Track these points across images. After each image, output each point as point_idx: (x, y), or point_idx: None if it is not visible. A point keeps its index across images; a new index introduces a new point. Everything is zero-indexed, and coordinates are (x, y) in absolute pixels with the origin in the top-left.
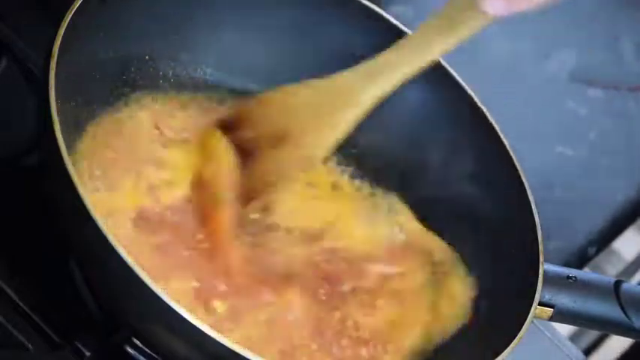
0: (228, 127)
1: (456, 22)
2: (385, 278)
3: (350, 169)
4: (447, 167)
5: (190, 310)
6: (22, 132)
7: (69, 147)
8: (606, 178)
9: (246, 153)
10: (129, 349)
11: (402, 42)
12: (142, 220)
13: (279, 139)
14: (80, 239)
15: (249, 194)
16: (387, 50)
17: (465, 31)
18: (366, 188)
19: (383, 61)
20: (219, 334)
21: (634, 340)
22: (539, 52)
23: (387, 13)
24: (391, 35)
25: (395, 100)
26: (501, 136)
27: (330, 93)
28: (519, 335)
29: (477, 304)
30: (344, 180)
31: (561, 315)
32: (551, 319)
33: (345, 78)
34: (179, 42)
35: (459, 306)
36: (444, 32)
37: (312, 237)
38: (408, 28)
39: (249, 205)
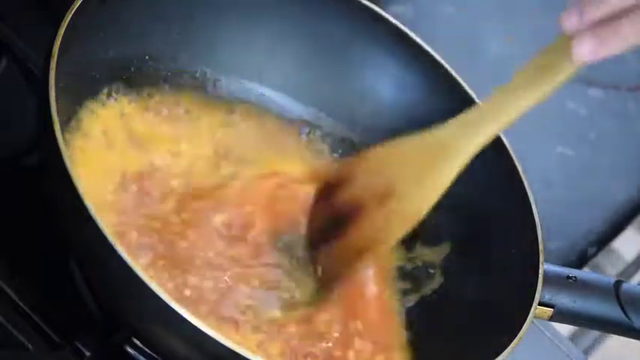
0: (332, 186)
1: (547, 69)
2: None
3: None
4: None
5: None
6: (22, 132)
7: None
8: (606, 178)
9: (352, 210)
10: (129, 349)
11: (496, 92)
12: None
13: (385, 196)
14: (80, 239)
15: (357, 255)
16: (483, 101)
17: (557, 77)
18: None
19: (480, 113)
20: (219, 334)
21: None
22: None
23: (387, 13)
24: (391, 35)
25: (394, 101)
26: (501, 136)
27: (431, 146)
28: (519, 335)
29: (477, 303)
30: None
31: (561, 315)
32: (551, 319)
33: (444, 130)
34: (179, 42)
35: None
36: (538, 80)
37: None
38: (408, 28)
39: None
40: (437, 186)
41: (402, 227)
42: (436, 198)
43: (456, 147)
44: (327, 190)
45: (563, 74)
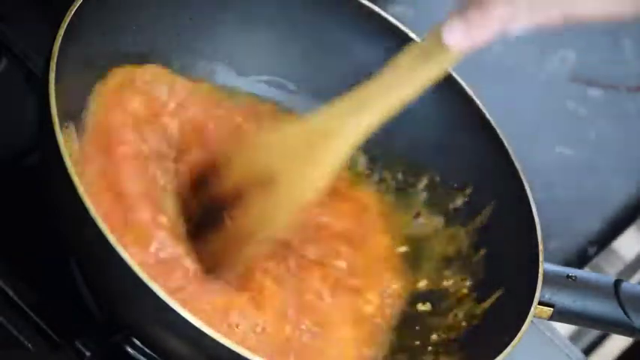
0: (213, 173)
1: (428, 57)
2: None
3: None
4: (447, 168)
5: None
6: (22, 132)
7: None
8: (606, 178)
9: (235, 197)
10: (129, 349)
11: (380, 74)
12: None
13: (265, 184)
14: (80, 239)
15: (241, 242)
16: (365, 83)
17: (438, 66)
18: None
19: (365, 94)
20: (219, 334)
21: (634, 340)
22: (539, 52)
23: (387, 13)
24: (391, 35)
25: None
26: (501, 136)
27: (314, 131)
28: (519, 335)
29: (477, 303)
30: None
31: (561, 314)
32: (551, 318)
33: (327, 113)
34: (179, 41)
35: None
36: (423, 64)
37: None
38: (408, 29)
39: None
40: (320, 173)
41: (285, 215)
42: (320, 185)
43: (337, 133)
44: (209, 174)
45: (445, 59)
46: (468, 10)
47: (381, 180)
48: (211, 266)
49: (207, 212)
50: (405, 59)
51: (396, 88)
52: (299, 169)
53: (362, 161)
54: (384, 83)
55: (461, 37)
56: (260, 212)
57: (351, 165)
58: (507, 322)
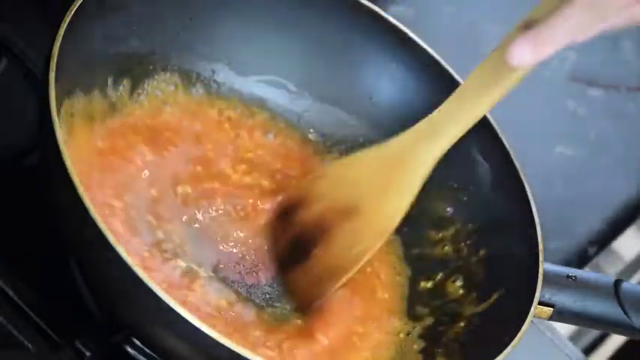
0: (293, 207)
1: (495, 76)
2: None
3: None
4: (447, 168)
5: None
6: (22, 132)
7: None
8: (606, 178)
9: (317, 230)
10: (129, 349)
11: (451, 98)
12: None
13: (349, 213)
14: (80, 239)
15: (331, 274)
16: (439, 108)
17: (505, 83)
18: None
19: (434, 122)
20: (220, 334)
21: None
22: None
23: (387, 13)
24: (391, 35)
25: (395, 101)
26: (501, 135)
27: (390, 159)
28: (519, 335)
29: (477, 303)
30: None
31: (561, 314)
32: (551, 318)
33: (402, 142)
34: (179, 41)
35: None
36: (487, 87)
37: None
38: (408, 29)
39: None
40: (401, 199)
41: (372, 243)
42: (403, 211)
43: (413, 159)
44: (288, 210)
45: (510, 80)
46: (533, 28)
47: None
48: (302, 303)
49: (292, 248)
50: (472, 83)
51: (465, 113)
52: (380, 196)
53: None
54: (454, 108)
55: (526, 57)
56: (346, 243)
57: None
58: (507, 322)
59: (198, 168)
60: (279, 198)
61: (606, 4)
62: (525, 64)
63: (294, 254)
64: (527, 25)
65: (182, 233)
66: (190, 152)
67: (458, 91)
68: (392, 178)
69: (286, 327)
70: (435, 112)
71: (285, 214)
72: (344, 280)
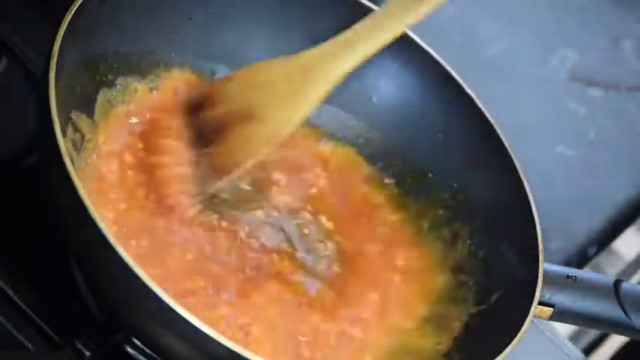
0: (197, 105)
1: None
2: None
3: None
4: (447, 168)
5: None
6: (22, 132)
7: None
8: (606, 178)
9: (214, 130)
10: (129, 349)
11: (366, 19)
12: None
13: (246, 117)
14: (80, 239)
15: (218, 170)
16: (352, 27)
17: (424, 7)
18: None
19: (347, 38)
20: (219, 334)
21: (634, 340)
22: (539, 52)
23: None
24: None
25: (394, 101)
26: (501, 135)
27: (296, 70)
28: (519, 335)
29: (477, 303)
30: None
31: (561, 314)
32: (551, 318)
33: (311, 55)
34: (179, 41)
35: None
36: (407, 8)
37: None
38: (408, 28)
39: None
40: (300, 110)
41: (261, 148)
42: (297, 122)
43: (320, 73)
44: (198, 104)
45: (426, 5)
46: None
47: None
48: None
49: (200, 133)
50: (391, 5)
51: (380, 33)
52: (278, 105)
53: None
54: (369, 28)
55: None
56: (235, 145)
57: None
58: (507, 322)
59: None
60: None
61: None
62: None
63: (199, 141)
64: None
65: None
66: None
67: (377, 11)
68: (295, 89)
69: None
70: (350, 30)
71: (195, 109)
72: (230, 177)
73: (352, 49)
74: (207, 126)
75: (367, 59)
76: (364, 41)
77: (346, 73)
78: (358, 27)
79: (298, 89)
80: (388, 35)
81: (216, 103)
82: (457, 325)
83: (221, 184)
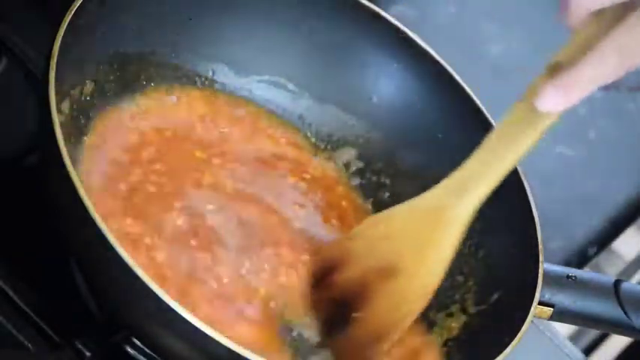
0: (329, 270)
1: (524, 126)
2: None
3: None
4: (447, 168)
5: None
6: (22, 132)
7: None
8: (606, 178)
9: (358, 292)
10: (129, 349)
11: (480, 150)
12: None
13: (388, 273)
14: (80, 239)
15: (377, 337)
16: (469, 160)
17: (536, 132)
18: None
19: (468, 174)
20: (219, 334)
21: (634, 340)
22: (539, 52)
23: (387, 13)
24: (391, 35)
25: (395, 101)
26: None
27: (425, 214)
28: (519, 335)
29: (477, 303)
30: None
31: (561, 314)
32: (551, 318)
33: (435, 196)
34: (179, 41)
35: None
36: (519, 135)
37: None
38: (408, 29)
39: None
40: (440, 256)
41: (417, 301)
42: (445, 266)
43: (448, 214)
44: (324, 273)
45: (539, 128)
46: (559, 76)
47: (380, 183)
48: None
49: (334, 313)
50: (501, 134)
51: (498, 163)
52: (419, 253)
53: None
54: (484, 161)
55: (557, 104)
56: (390, 304)
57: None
58: (507, 322)
59: (200, 167)
60: (312, 264)
61: (635, 47)
62: (556, 111)
63: (336, 319)
64: (554, 69)
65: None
66: (189, 152)
67: (486, 142)
68: (429, 233)
69: None
70: (466, 164)
71: (320, 280)
72: (390, 342)
73: (472, 188)
74: (344, 291)
75: (490, 191)
76: (482, 177)
77: (473, 210)
78: (474, 160)
79: (434, 234)
80: (504, 167)
81: (349, 264)
82: (457, 325)
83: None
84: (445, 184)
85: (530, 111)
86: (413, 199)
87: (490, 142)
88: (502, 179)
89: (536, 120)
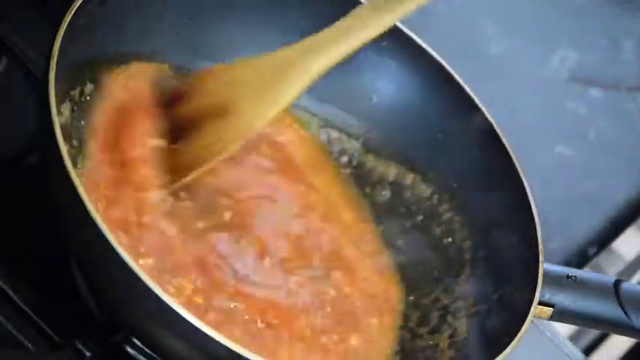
0: (171, 100)
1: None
2: None
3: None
4: (447, 168)
5: None
6: (22, 132)
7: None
8: (606, 178)
9: (187, 125)
10: (129, 349)
11: (347, 17)
12: None
13: (220, 112)
14: (80, 239)
15: (188, 166)
16: (330, 26)
17: (402, 8)
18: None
19: (324, 37)
20: (220, 334)
21: (634, 340)
22: (539, 52)
23: None
24: (390, 35)
25: (394, 101)
26: (501, 135)
27: (271, 67)
28: (519, 335)
29: (477, 303)
30: None
31: (561, 314)
32: (551, 318)
33: (286, 52)
34: (179, 41)
35: None
36: (385, 9)
37: None
38: (407, 28)
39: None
40: (271, 105)
41: (233, 142)
42: (268, 118)
43: (296, 70)
44: (175, 99)
45: (405, 7)
46: None
47: (379, 184)
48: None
49: (177, 128)
50: (370, 5)
51: (357, 32)
52: (253, 101)
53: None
54: (346, 27)
55: None
56: (209, 138)
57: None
58: (507, 322)
59: None
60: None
61: None
62: None
63: (173, 135)
64: None
65: None
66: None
67: (355, 11)
68: (270, 85)
69: None
70: (328, 28)
71: (172, 103)
72: (200, 171)
73: (328, 47)
74: (180, 120)
75: (345, 58)
76: (341, 40)
77: (322, 70)
78: (338, 24)
79: (273, 85)
80: (365, 35)
81: (191, 97)
82: (457, 325)
83: (189, 179)
84: (302, 43)
85: None
86: (269, 53)
87: (355, 13)
88: (357, 48)
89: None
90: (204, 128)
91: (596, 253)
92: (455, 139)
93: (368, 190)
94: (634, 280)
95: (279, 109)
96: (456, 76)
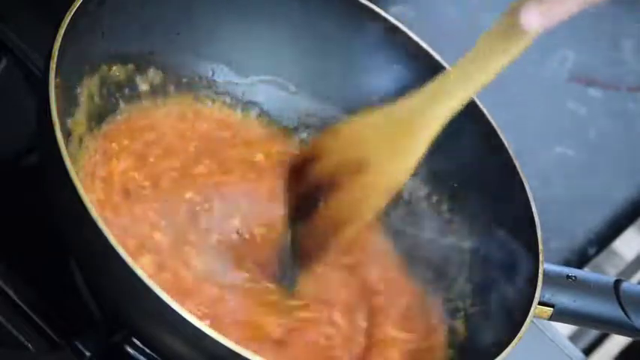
0: (305, 162)
1: (506, 38)
2: None
3: None
4: (447, 168)
5: None
6: (22, 132)
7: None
8: (606, 178)
9: (327, 185)
10: (129, 349)
11: (461, 62)
12: None
13: (359, 170)
14: (80, 239)
15: (337, 224)
16: (450, 69)
17: (517, 45)
18: None
19: (446, 82)
20: (220, 334)
21: (634, 340)
22: (538, 52)
23: (387, 13)
24: (391, 35)
25: (394, 100)
26: (501, 136)
27: (398, 119)
28: (519, 335)
29: (476, 303)
30: None
31: (561, 314)
32: (551, 318)
33: (411, 103)
34: (179, 41)
35: None
36: (499, 49)
37: None
38: (408, 29)
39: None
40: (410, 157)
41: (379, 200)
42: (411, 169)
43: (421, 120)
44: (301, 166)
45: (519, 45)
46: None
47: None
48: (308, 253)
49: (303, 202)
50: (481, 48)
51: (475, 75)
52: (388, 155)
53: None
54: (463, 71)
55: (540, 19)
56: (354, 198)
57: None
58: (507, 322)
59: (200, 167)
60: (292, 156)
61: None
62: (537, 28)
63: (305, 208)
64: None
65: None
66: (189, 151)
67: (468, 55)
68: (400, 138)
69: None
70: (444, 76)
71: (297, 171)
72: (348, 235)
73: (449, 96)
74: (316, 183)
75: (464, 103)
76: (459, 87)
77: (446, 117)
78: (452, 72)
79: (405, 137)
80: (481, 80)
81: (320, 160)
82: (457, 325)
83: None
84: (423, 91)
85: (511, 28)
86: (390, 105)
87: (469, 58)
88: (477, 92)
89: (515, 37)
90: (346, 188)
91: (596, 253)
92: (455, 138)
93: None
94: (634, 280)
95: (416, 159)
96: None
